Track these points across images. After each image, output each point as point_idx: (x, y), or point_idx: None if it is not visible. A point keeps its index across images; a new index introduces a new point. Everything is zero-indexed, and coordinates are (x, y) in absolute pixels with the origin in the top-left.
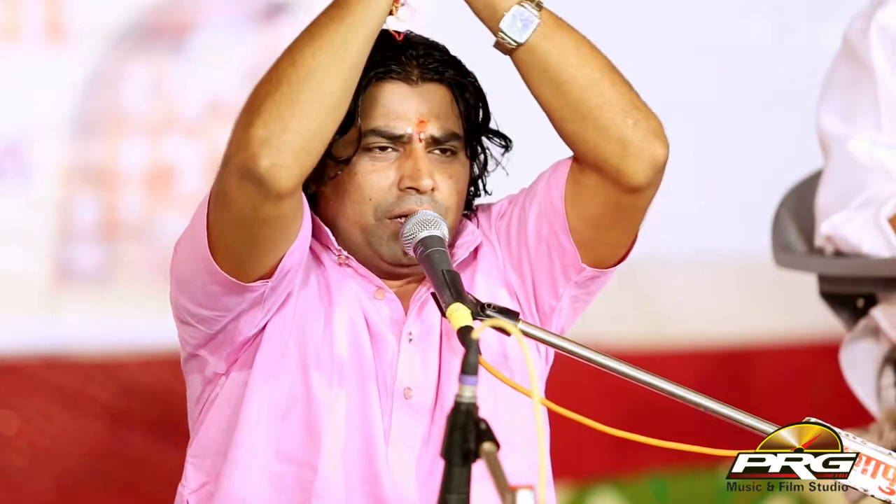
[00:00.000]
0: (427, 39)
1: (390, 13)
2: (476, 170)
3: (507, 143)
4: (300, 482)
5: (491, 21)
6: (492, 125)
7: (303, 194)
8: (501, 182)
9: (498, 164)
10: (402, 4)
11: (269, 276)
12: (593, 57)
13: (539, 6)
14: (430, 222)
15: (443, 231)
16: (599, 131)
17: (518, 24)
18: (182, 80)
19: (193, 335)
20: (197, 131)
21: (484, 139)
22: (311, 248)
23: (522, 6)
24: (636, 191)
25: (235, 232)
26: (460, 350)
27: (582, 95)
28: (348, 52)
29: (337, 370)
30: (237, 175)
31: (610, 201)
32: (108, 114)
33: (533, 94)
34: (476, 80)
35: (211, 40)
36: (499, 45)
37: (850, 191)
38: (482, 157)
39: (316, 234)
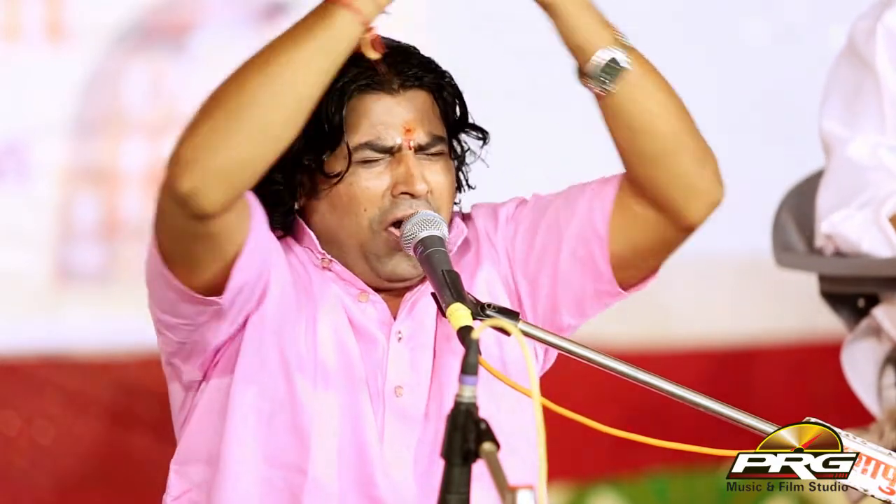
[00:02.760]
0: (399, 43)
1: (360, 46)
2: (456, 164)
3: (484, 136)
4: (289, 486)
5: (580, 55)
6: (469, 119)
7: (252, 211)
8: (485, 176)
9: (477, 156)
10: (375, 36)
11: (219, 292)
12: (673, 104)
13: (631, 49)
14: (430, 222)
15: (443, 231)
16: (672, 176)
17: (610, 71)
18: (182, 80)
19: (166, 342)
20: None
21: (462, 135)
22: (293, 251)
23: (615, 50)
24: (690, 229)
25: (171, 243)
26: (455, 349)
27: (662, 145)
28: (298, 83)
29: (321, 373)
30: (164, 191)
31: (659, 234)
32: (108, 114)
33: (610, 134)
34: (452, 79)
35: (211, 40)
36: (583, 83)
37: (851, 191)
38: (459, 150)
39: (299, 238)
